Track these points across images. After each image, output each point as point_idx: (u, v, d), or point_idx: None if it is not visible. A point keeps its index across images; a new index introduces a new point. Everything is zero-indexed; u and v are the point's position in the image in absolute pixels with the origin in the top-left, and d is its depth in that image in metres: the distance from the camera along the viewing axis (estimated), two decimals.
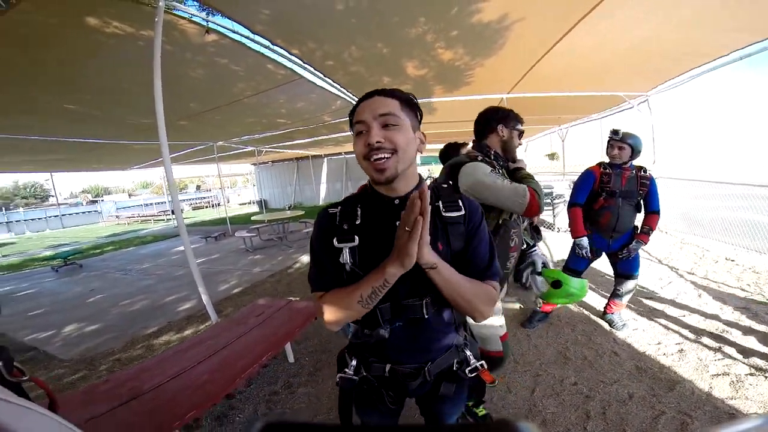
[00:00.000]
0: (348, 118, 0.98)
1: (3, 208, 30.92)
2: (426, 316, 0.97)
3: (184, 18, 3.09)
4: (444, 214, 0.98)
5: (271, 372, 2.90)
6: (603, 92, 6.52)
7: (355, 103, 0.97)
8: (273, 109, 6.50)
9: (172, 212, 23.15)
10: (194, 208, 31.46)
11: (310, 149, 14.45)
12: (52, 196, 42.81)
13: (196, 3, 2.97)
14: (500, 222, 1.73)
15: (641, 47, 4.13)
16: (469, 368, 1.05)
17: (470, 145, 2.05)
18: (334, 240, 0.97)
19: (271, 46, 3.65)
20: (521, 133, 1.86)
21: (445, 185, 1.07)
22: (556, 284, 1.94)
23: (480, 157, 1.73)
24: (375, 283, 0.87)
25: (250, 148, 11.71)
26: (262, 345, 2.45)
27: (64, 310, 5.34)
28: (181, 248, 9.51)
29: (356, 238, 0.96)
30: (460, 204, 1.00)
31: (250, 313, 3.07)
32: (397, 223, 0.84)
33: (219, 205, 20.85)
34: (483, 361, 1.08)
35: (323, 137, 10.65)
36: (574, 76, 5.25)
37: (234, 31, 3.36)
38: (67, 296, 6.19)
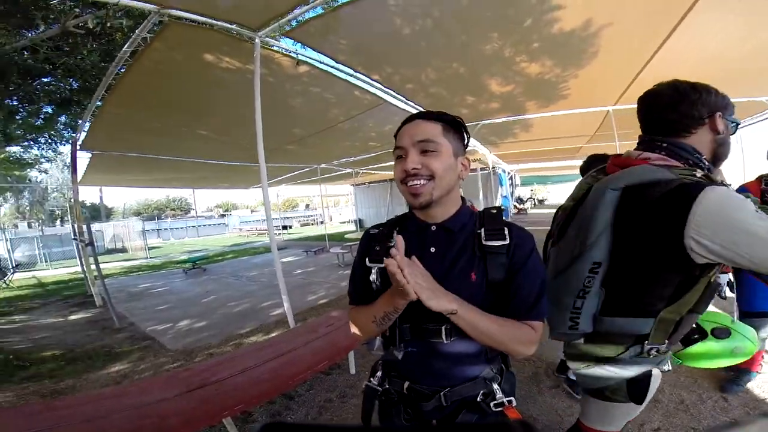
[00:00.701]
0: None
1: (156, 218, 37.89)
2: (445, 342, 0.94)
3: (278, 52, 3.49)
4: (484, 242, 0.92)
5: (332, 380, 3.00)
6: (740, 98, 5.43)
7: None
8: (364, 132, 6.87)
9: (284, 227, 25.70)
10: (302, 225, 34.40)
11: None
12: (193, 209, 50.56)
13: (286, 38, 3.34)
14: (712, 281, 1.10)
15: None
16: (495, 402, 0.98)
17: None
18: (367, 259, 1.01)
19: (354, 74, 3.91)
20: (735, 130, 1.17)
21: (494, 210, 1.00)
22: (721, 333, 1.31)
23: (699, 173, 1.02)
24: (387, 308, 0.90)
25: (348, 170, 12.46)
26: (322, 354, 2.54)
27: (183, 306, 6.25)
28: (286, 259, 10.51)
29: (385, 260, 0.98)
30: (506, 233, 0.93)
31: (322, 323, 3.21)
32: (432, 249, 0.94)
33: (323, 222, 22.54)
34: (512, 398, 0.99)
35: None
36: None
37: (321, 62, 3.69)
38: (188, 295, 7.24)
